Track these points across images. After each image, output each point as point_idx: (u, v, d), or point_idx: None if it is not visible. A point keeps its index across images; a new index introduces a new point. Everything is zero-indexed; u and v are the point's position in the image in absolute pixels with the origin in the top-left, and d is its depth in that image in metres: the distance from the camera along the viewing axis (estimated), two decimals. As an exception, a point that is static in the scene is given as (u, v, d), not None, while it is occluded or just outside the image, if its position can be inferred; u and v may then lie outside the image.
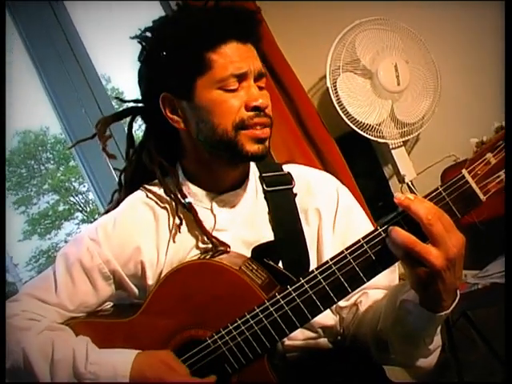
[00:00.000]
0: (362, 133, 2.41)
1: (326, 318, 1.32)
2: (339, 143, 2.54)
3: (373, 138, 2.43)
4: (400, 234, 1.02)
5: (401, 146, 2.50)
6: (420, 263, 1.00)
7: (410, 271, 1.04)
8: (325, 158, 2.43)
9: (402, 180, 2.48)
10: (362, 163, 2.66)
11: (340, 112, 2.40)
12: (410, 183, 2.45)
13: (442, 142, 2.56)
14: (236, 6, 1.31)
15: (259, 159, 1.32)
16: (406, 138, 2.49)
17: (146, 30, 1.35)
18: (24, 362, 1.20)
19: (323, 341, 1.33)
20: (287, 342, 1.27)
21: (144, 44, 1.35)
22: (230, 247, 1.30)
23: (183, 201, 1.33)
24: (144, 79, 1.37)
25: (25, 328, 1.24)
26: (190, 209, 1.32)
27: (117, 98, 1.60)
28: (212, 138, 1.28)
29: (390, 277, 1.31)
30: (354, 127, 2.41)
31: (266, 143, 1.30)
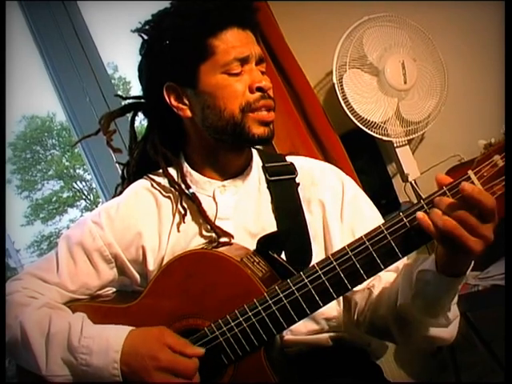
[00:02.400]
0: (366, 130, 2.40)
1: (330, 309, 1.33)
2: (343, 140, 2.53)
3: (378, 135, 2.42)
4: (445, 218, 1.01)
5: (405, 144, 2.48)
6: (459, 247, 1.01)
7: (447, 249, 1.05)
8: (328, 153, 2.42)
9: (405, 179, 2.46)
10: (366, 160, 2.65)
11: (345, 108, 2.38)
12: (413, 182, 2.44)
13: (447, 141, 2.55)
14: None
15: (265, 142, 1.34)
16: (411, 137, 2.47)
17: (147, 23, 1.37)
18: (21, 336, 1.22)
19: (324, 336, 1.34)
20: (288, 336, 1.29)
21: (145, 37, 1.37)
22: (233, 237, 1.31)
23: (187, 191, 1.36)
24: (146, 72, 1.39)
25: (24, 304, 1.27)
26: (193, 199, 1.35)
27: (117, 95, 1.62)
28: (218, 122, 1.30)
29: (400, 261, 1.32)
30: (358, 124, 2.39)
31: (271, 126, 1.33)
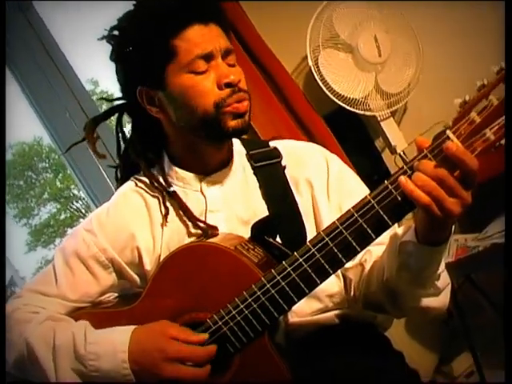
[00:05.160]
0: (348, 108, 2.40)
1: (332, 285, 1.33)
2: (328, 121, 2.53)
3: (360, 111, 2.42)
4: (425, 178, 1.00)
5: (389, 117, 2.49)
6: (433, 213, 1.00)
7: (425, 213, 1.04)
8: (314, 136, 2.42)
9: (393, 151, 2.47)
10: (354, 139, 2.64)
11: (325, 89, 2.39)
12: (401, 153, 2.44)
13: (431, 109, 2.54)
14: None
15: (240, 134, 1.33)
16: (394, 109, 2.47)
17: (112, 28, 1.36)
18: (28, 352, 1.22)
19: (329, 315, 1.33)
20: (293, 318, 1.29)
21: (112, 43, 1.36)
22: (218, 229, 1.32)
23: (168, 190, 1.36)
24: (120, 77, 1.39)
25: (27, 320, 1.27)
26: (174, 197, 1.35)
27: (102, 98, 1.62)
28: (192, 120, 1.30)
29: (391, 232, 1.32)
30: (340, 103, 2.40)
31: (246, 117, 1.32)
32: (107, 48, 1.38)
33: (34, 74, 2.46)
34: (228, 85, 1.28)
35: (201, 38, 1.28)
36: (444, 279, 1.20)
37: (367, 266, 1.30)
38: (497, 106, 1.07)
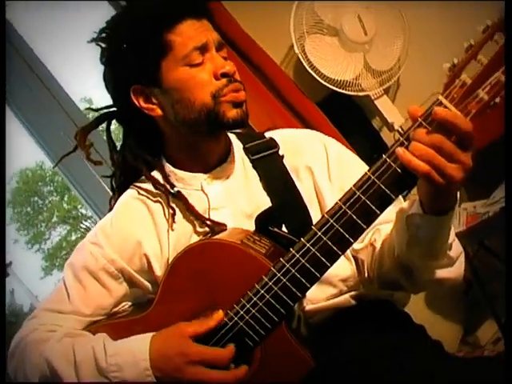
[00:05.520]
0: (341, 91, 2.39)
1: (344, 269, 1.33)
2: (323, 107, 2.51)
3: (353, 93, 2.41)
4: (422, 147, 0.99)
5: (382, 94, 2.47)
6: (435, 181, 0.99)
7: (428, 183, 1.03)
8: (310, 123, 2.41)
9: (391, 128, 2.45)
10: (350, 121, 2.63)
11: (315, 75, 2.38)
12: (400, 129, 2.42)
13: (424, 81, 2.52)
14: None
15: (240, 125, 1.32)
16: (386, 86, 2.45)
17: (101, 31, 1.36)
18: (50, 372, 1.22)
19: (345, 298, 1.33)
20: (309, 306, 1.28)
21: (103, 45, 1.36)
22: (226, 226, 1.31)
23: (172, 191, 1.35)
24: (111, 80, 1.38)
25: (45, 339, 1.27)
26: (179, 197, 1.34)
27: (88, 108, 1.61)
28: (191, 114, 1.30)
29: (397, 208, 1.31)
30: (332, 87, 2.39)
31: (244, 107, 1.32)
32: (99, 66, 1.39)
33: (28, 100, 2.47)
34: (224, 75, 1.29)
35: (194, 31, 1.29)
36: (456, 248, 1.19)
37: (378, 245, 1.29)
38: (487, 65, 1.06)
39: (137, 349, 1.17)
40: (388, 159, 1.04)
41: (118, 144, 1.49)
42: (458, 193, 1.08)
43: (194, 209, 1.33)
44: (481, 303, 2.43)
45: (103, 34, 1.36)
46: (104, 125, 1.49)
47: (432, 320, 2.43)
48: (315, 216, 1.33)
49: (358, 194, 1.06)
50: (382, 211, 1.07)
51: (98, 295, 1.33)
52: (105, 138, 1.51)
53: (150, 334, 1.19)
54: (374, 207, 1.06)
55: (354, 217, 1.07)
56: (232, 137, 1.45)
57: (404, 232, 1.14)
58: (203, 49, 1.29)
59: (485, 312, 2.40)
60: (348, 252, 1.33)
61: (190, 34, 1.29)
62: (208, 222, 1.32)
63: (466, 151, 0.99)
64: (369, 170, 1.06)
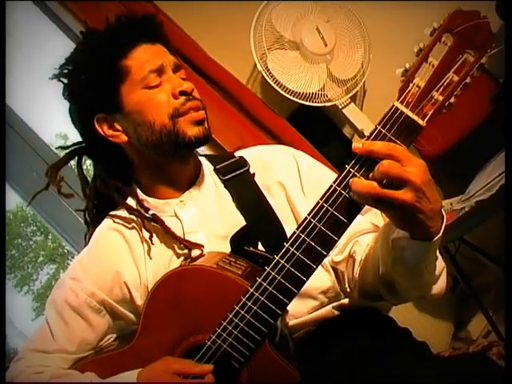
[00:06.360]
0: (308, 103, 2.41)
1: (323, 281, 1.34)
2: (292, 121, 2.53)
3: (320, 104, 2.42)
4: (361, 184, 1.01)
5: (349, 103, 2.48)
6: (392, 205, 0.99)
7: (387, 213, 1.05)
8: (281, 139, 2.42)
9: (362, 134, 2.47)
10: (322, 133, 2.65)
11: (281, 91, 2.39)
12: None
13: (389, 85, 2.53)
14: (136, 14, 1.38)
15: (203, 142, 1.33)
16: (352, 93, 2.47)
17: (61, 67, 1.38)
18: None
19: (327, 309, 1.34)
20: (292, 321, 1.28)
21: (64, 80, 1.38)
22: (203, 246, 1.32)
23: (147, 214, 1.36)
24: (75, 113, 1.40)
25: (32, 383, 1.27)
26: (155, 219, 1.35)
27: (59, 147, 1.62)
28: (152, 136, 1.31)
29: (374, 219, 1.32)
30: (299, 101, 2.40)
31: (205, 124, 1.33)
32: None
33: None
34: (182, 93, 1.31)
35: (150, 54, 1.33)
36: (440, 266, 1.19)
37: (358, 258, 1.30)
38: (438, 67, 1.08)
39: None
40: (352, 170, 1.06)
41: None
42: (444, 216, 1.08)
43: (170, 230, 1.33)
44: (468, 298, 2.44)
45: (63, 70, 1.38)
46: (75, 160, 1.49)
47: (422, 319, 2.44)
48: (291, 230, 1.33)
49: (326, 206, 1.07)
50: (351, 221, 1.08)
51: (81, 331, 1.33)
52: (76, 172, 1.52)
53: (137, 371, 1.19)
54: (342, 218, 1.07)
55: (324, 229, 1.08)
56: (202, 159, 1.46)
57: (389, 252, 1.14)
58: (159, 71, 1.32)
59: (473, 306, 2.41)
60: (327, 263, 1.34)
61: (146, 57, 1.32)
62: (185, 243, 1.32)
63: (408, 168, 0.99)
64: (334, 182, 1.08)
